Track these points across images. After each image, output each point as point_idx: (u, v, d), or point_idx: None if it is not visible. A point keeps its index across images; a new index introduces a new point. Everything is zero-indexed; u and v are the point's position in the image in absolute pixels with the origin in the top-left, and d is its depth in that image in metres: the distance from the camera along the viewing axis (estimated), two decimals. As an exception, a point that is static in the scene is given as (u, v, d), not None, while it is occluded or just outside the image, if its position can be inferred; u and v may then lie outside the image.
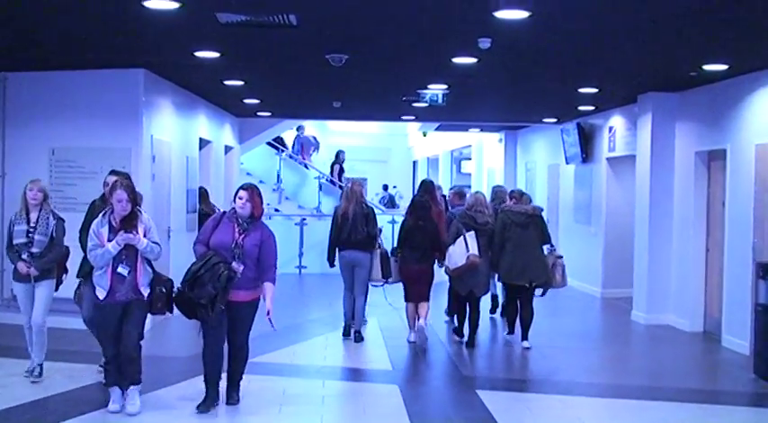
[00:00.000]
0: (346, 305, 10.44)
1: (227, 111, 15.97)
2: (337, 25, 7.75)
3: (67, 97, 10.55)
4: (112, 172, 7.81)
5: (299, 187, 22.07)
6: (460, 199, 11.23)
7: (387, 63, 9.88)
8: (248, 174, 20.50)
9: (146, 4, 6.69)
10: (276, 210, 20.73)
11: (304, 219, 18.33)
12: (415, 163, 30.39)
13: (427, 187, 10.78)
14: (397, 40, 8.37)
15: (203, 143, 14.20)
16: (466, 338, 10.13)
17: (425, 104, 12.87)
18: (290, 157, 22.30)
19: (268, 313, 6.96)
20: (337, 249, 10.27)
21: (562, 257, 10.25)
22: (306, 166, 22.58)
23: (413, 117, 17.49)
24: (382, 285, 10.52)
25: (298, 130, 22.79)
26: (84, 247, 7.22)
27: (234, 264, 6.76)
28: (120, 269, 6.69)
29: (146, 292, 6.83)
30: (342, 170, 22.96)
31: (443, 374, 9.20)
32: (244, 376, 7.28)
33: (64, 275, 8.04)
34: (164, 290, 6.91)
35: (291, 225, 18.18)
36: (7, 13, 7.50)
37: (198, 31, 8.06)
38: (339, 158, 22.10)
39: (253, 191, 6.94)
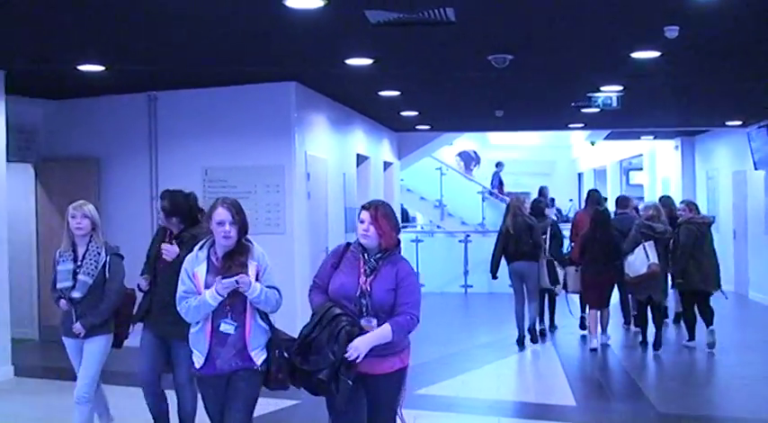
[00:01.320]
0: (518, 316, 10.73)
1: (385, 125, 15.48)
2: (500, 19, 6.90)
3: (217, 115, 10.20)
4: (166, 193, 6.06)
5: (464, 204, 21.31)
6: (623, 208, 11.62)
7: (556, 63, 8.96)
8: (408, 190, 20.01)
9: (287, 3, 6.06)
10: (438, 226, 20.15)
11: (468, 235, 17.59)
12: (580, 175, 29.12)
13: (595, 198, 11.69)
14: (569, 34, 7.44)
15: (360, 159, 13.71)
16: (651, 340, 10.28)
17: (597, 109, 11.85)
18: (490, 193, 21.59)
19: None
20: (506, 262, 10.76)
21: None
22: (502, 201, 21.78)
23: (581, 125, 16.41)
24: (554, 290, 11.20)
25: (497, 166, 22.30)
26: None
27: (363, 321, 4.58)
28: (223, 326, 4.72)
29: (259, 358, 4.77)
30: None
31: (636, 411, 7.93)
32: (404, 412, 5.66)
33: (131, 327, 6.17)
34: (285, 355, 4.76)
35: (455, 242, 17.49)
36: (153, 34, 7.25)
37: (347, 34, 7.42)
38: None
39: (377, 210, 4.72)
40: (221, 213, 4.72)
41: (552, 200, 25.77)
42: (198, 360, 4.77)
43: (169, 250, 5.77)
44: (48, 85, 10.04)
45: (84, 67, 8.60)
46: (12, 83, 8.90)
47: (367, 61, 8.53)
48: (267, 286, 4.78)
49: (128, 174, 10.58)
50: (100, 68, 8.68)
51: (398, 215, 17.43)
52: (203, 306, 4.67)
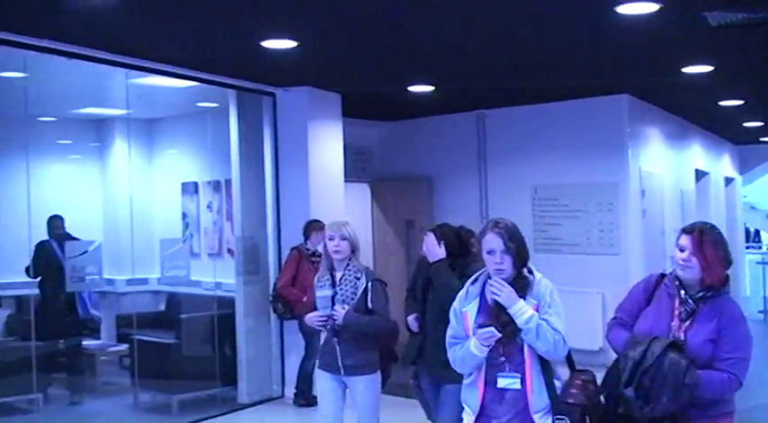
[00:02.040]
0: None
1: (724, 137, 14.57)
2: None
3: (546, 131, 10.05)
4: (435, 227, 5.35)
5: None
6: None
7: None
8: (752, 208, 18.73)
9: (619, 9, 5.75)
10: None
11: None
12: None
13: None
14: None
15: (699, 175, 12.97)
16: None
17: None
18: None
19: None
20: None
21: None
22: None
23: None
24: None
25: None
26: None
27: None
28: (502, 381, 3.78)
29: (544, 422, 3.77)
30: None
31: None
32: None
33: (393, 365, 5.45)
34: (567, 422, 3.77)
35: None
36: (480, 53, 7.27)
37: (683, 40, 6.93)
38: None
39: (702, 235, 3.69)
40: (491, 240, 3.79)
41: None
42: (468, 419, 3.90)
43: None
44: (380, 107, 10.42)
45: (414, 89, 8.80)
46: (348, 106, 9.28)
47: (706, 68, 7.98)
48: (549, 327, 3.75)
49: (458, 193, 10.71)
50: (429, 89, 8.83)
51: (741, 234, 16.34)
52: (468, 356, 3.81)
